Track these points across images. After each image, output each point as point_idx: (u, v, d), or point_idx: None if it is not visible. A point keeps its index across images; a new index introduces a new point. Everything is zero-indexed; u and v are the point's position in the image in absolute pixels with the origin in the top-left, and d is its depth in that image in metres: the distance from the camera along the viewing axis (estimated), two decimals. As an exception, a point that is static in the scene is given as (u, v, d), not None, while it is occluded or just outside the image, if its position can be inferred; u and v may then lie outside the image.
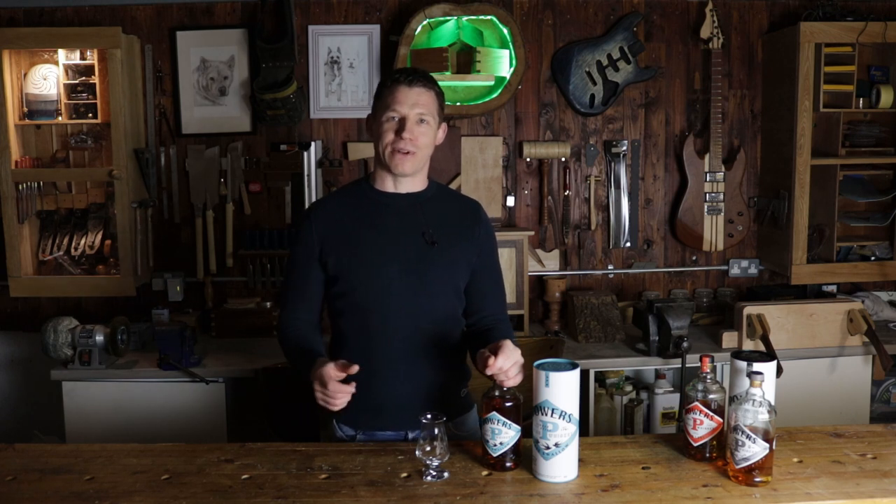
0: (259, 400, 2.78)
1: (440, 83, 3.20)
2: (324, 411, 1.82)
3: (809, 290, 3.48)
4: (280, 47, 3.24)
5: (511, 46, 3.20)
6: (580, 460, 1.65)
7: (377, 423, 1.92)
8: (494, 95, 3.24)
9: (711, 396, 1.69)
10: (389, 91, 1.86)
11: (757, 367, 1.65)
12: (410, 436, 1.90)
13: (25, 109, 3.23)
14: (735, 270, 3.59)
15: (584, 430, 2.03)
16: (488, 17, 3.19)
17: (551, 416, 1.59)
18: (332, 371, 1.70)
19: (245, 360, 2.94)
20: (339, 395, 1.71)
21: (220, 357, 2.99)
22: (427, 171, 1.98)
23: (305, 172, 3.32)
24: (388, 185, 1.94)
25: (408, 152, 1.86)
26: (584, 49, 3.39)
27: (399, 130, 1.85)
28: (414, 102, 1.84)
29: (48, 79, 3.23)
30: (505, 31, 3.20)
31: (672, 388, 3.25)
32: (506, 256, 3.23)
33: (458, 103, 3.26)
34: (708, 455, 1.70)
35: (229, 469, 1.69)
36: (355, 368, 1.70)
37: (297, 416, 2.36)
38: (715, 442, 1.69)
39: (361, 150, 3.37)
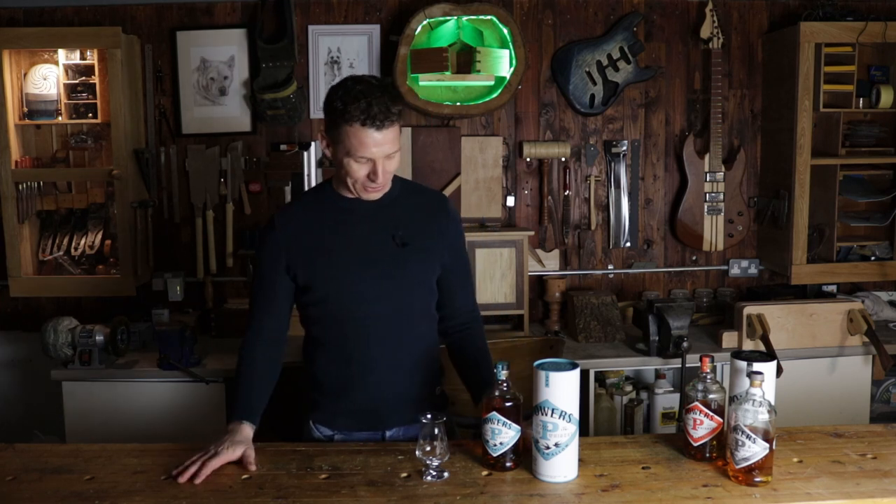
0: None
1: (440, 83, 3.25)
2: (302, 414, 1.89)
3: (809, 290, 3.48)
4: (280, 47, 3.24)
5: (511, 46, 3.20)
6: (580, 460, 1.65)
7: (354, 425, 1.94)
8: (494, 95, 3.24)
9: (711, 396, 1.69)
10: (354, 133, 1.72)
11: (757, 367, 1.65)
12: (388, 434, 1.93)
13: (25, 109, 3.23)
14: (735, 270, 3.59)
15: (584, 430, 2.03)
16: (488, 17, 3.19)
17: (551, 416, 1.59)
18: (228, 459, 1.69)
19: (245, 360, 2.93)
20: (204, 472, 1.64)
21: (220, 357, 2.98)
22: None
23: (305, 172, 3.32)
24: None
25: (378, 188, 1.83)
26: (584, 49, 3.39)
27: (372, 175, 1.78)
28: (383, 146, 1.75)
29: (48, 79, 3.23)
30: (505, 31, 3.20)
31: (672, 388, 3.25)
32: (506, 256, 3.23)
33: (458, 103, 3.26)
34: (708, 455, 1.70)
35: (229, 469, 1.70)
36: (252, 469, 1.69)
37: (297, 415, 2.36)
38: (715, 442, 1.69)
39: (361, 150, 3.36)
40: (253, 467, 1.68)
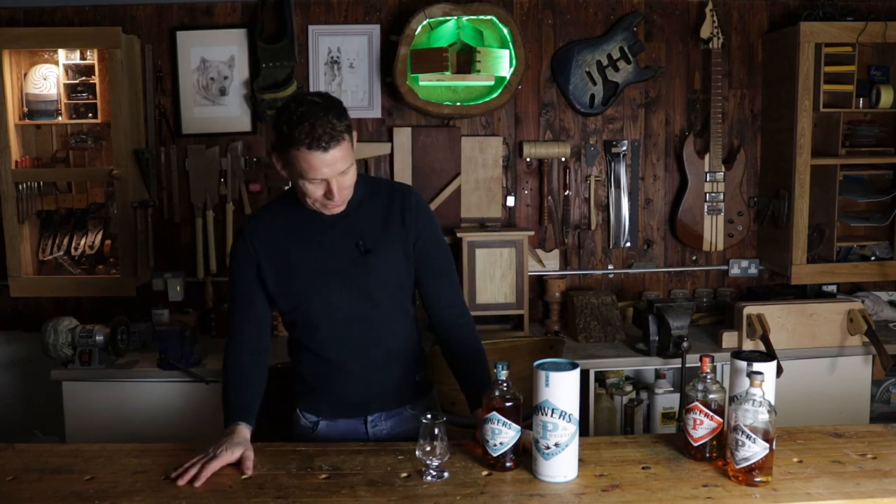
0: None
1: (440, 83, 3.24)
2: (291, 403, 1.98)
3: (809, 290, 3.48)
4: (280, 47, 3.24)
5: (511, 46, 3.20)
6: (580, 460, 1.65)
7: (338, 412, 1.99)
8: (494, 95, 3.24)
9: (711, 396, 1.69)
10: (303, 156, 1.70)
11: (757, 367, 1.65)
12: (370, 418, 1.98)
13: (25, 109, 3.23)
14: (735, 270, 3.59)
15: (584, 430, 2.03)
16: (488, 17, 3.19)
17: (551, 416, 1.59)
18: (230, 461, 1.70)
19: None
20: (203, 475, 1.65)
21: (220, 357, 2.95)
22: None
23: (305, 172, 3.32)
24: None
25: (337, 204, 1.83)
26: (584, 49, 3.39)
27: (328, 194, 1.77)
28: (333, 165, 1.73)
29: (48, 79, 3.23)
30: (505, 31, 3.20)
31: (672, 388, 3.25)
32: (506, 256, 3.23)
33: (458, 103, 3.26)
34: (708, 455, 1.70)
35: (229, 469, 1.70)
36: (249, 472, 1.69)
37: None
38: (715, 442, 1.69)
39: (361, 150, 3.37)
40: (250, 472, 1.68)
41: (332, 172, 1.74)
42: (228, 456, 1.70)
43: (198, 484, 1.62)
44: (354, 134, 1.81)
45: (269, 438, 2.14)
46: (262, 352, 1.97)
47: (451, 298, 2.00)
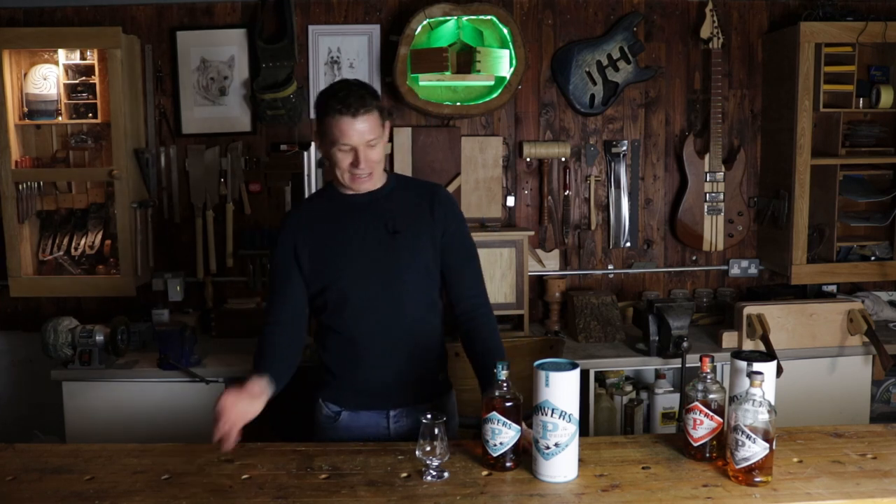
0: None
1: (440, 83, 3.24)
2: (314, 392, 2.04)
3: (809, 290, 3.48)
4: (280, 47, 3.24)
5: (511, 46, 3.20)
6: (580, 460, 1.65)
7: (360, 403, 2.03)
8: (494, 95, 3.24)
9: (711, 396, 1.69)
10: (335, 123, 1.86)
11: (757, 367, 1.65)
12: (392, 413, 2.02)
13: (25, 109, 3.23)
14: (735, 270, 3.59)
15: (584, 430, 2.03)
16: (488, 17, 3.19)
17: (551, 416, 1.59)
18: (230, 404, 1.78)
19: (245, 360, 2.92)
20: (231, 435, 1.74)
21: (220, 357, 2.99)
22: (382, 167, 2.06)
23: (305, 172, 3.32)
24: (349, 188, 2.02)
25: (365, 176, 1.94)
26: (584, 49, 3.39)
27: (354, 162, 1.90)
28: (361, 132, 1.87)
29: (48, 79, 3.23)
30: (505, 31, 3.20)
31: (672, 388, 3.25)
32: (506, 256, 3.23)
33: (458, 103, 3.26)
34: (708, 455, 1.70)
35: (229, 469, 1.70)
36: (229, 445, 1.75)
37: (298, 415, 2.37)
38: (715, 442, 1.70)
39: (361, 150, 3.36)
40: (229, 445, 1.73)
41: (361, 140, 1.87)
42: (230, 398, 1.77)
43: (228, 448, 1.72)
44: (387, 123, 1.97)
45: (270, 438, 2.14)
46: (298, 333, 2.01)
47: (475, 290, 2.06)
